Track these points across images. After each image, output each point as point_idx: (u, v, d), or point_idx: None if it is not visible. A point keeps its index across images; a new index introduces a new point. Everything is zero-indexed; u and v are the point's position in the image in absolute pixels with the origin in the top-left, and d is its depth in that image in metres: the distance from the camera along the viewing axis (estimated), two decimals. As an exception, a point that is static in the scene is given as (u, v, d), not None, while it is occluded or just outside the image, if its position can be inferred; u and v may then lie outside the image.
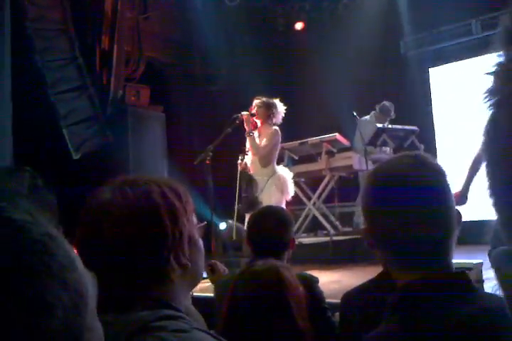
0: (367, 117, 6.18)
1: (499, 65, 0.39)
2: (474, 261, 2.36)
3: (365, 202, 0.98)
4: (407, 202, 0.89)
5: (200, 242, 0.96)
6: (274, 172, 4.31)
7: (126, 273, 0.84)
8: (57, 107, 5.53)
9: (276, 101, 4.41)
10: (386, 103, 6.31)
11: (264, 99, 4.40)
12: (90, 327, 0.43)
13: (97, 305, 0.81)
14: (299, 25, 8.10)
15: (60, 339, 0.38)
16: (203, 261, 0.98)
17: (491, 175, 0.41)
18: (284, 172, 4.38)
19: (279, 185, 4.23)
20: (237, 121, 4.38)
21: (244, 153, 4.38)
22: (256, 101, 4.40)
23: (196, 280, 0.97)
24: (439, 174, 0.93)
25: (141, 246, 0.84)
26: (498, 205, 0.42)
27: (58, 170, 5.19)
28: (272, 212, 2.10)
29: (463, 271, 0.91)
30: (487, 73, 0.40)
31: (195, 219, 0.95)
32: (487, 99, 0.39)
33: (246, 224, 2.78)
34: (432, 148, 6.61)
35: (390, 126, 6.00)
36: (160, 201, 0.87)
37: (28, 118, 5.06)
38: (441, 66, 7.23)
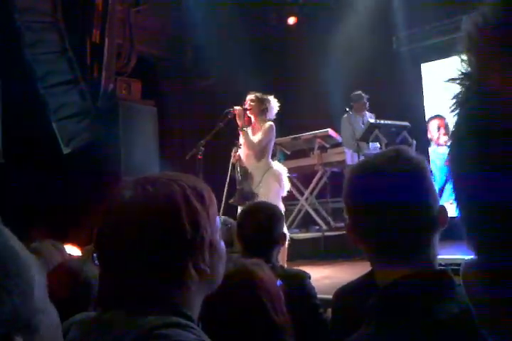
0: (346, 115, 6.14)
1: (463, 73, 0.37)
2: (466, 257, 2.37)
3: (346, 197, 0.96)
4: (386, 197, 0.87)
5: (222, 247, 0.92)
6: (269, 166, 4.30)
7: (141, 274, 0.81)
8: (47, 101, 5.47)
9: (270, 97, 4.41)
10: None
11: (257, 94, 4.38)
12: (41, 309, 0.45)
13: (110, 301, 0.81)
14: (291, 20, 8.07)
15: (12, 322, 0.41)
16: (224, 267, 0.94)
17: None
18: (279, 168, 4.38)
19: (276, 179, 4.23)
20: (229, 116, 4.36)
21: (237, 146, 4.36)
22: (249, 96, 4.38)
23: (213, 286, 0.93)
24: (419, 168, 0.91)
25: (159, 249, 0.81)
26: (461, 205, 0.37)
27: (48, 165, 5.13)
28: (262, 207, 2.09)
29: (444, 270, 0.89)
30: (451, 79, 0.38)
31: (218, 223, 0.91)
32: (453, 107, 0.37)
33: (237, 219, 2.76)
34: (423, 144, 6.63)
35: (382, 121, 6.00)
36: (181, 203, 0.84)
37: (17, 112, 5.00)
38: (433, 62, 7.24)
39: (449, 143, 0.37)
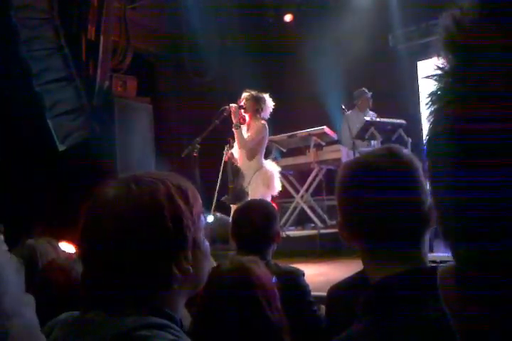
0: (349, 112, 6.17)
1: (442, 69, 0.37)
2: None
3: (337, 194, 0.97)
4: (377, 195, 0.87)
5: (206, 246, 0.91)
6: (260, 166, 4.30)
7: (123, 273, 0.81)
8: (42, 98, 5.44)
9: (266, 95, 4.39)
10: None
11: (253, 92, 4.36)
12: (14, 313, 0.41)
13: (91, 301, 0.80)
14: (288, 17, 8.05)
15: None
16: (208, 266, 0.94)
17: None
18: (271, 167, 4.37)
19: (266, 179, 4.22)
20: (225, 113, 4.36)
21: (230, 144, 4.36)
22: (245, 94, 4.36)
23: (198, 285, 0.92)
24: (410, 165, 0.91)
25: (141, 248, 0.81)
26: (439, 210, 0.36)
27: (44, 163, 5.12)
28: (257, 205, 2.09)
29: (435, 267, 0.88)
30: (429, 76, 0.38)
31: (202, 222, 0.91)
32: (429, 104, 0.37)
33: (231, 217, 2.77)
34: (419, 142, 6.64)
35: (378, 119, 6.01)
36: (164, 201, 0.83)
37: (12, 109, 4.98)
38: (429, 60, 7.25)
39: (424, 141, 0.37)
